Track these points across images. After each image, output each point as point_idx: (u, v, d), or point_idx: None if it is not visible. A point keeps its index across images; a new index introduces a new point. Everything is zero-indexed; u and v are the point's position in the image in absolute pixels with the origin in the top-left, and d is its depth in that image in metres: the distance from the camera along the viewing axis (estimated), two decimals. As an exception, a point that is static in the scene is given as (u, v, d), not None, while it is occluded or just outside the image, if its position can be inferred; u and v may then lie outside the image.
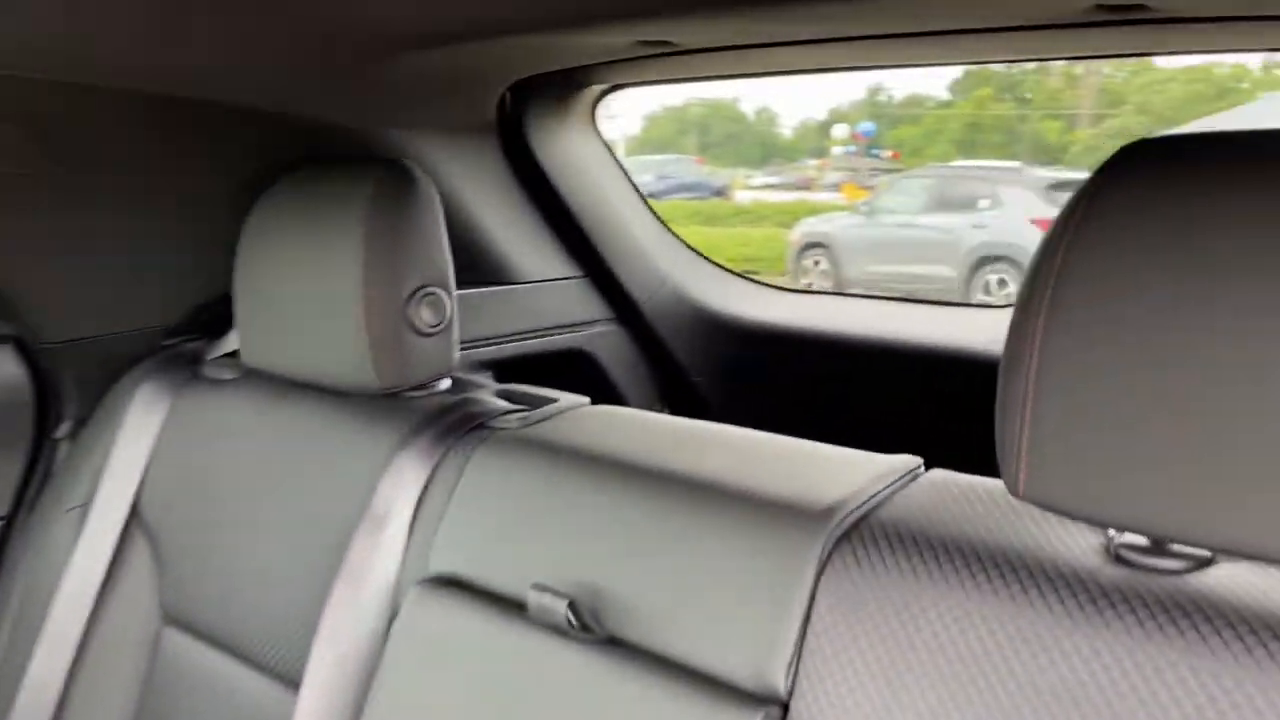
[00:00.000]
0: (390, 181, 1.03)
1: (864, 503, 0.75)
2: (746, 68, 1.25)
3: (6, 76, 1.06)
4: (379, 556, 0.94)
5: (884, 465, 0.81)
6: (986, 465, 0.93)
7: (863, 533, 0.72)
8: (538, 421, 0.99)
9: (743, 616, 0.73)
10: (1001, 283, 8.06)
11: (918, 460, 0.82)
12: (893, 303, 1.67)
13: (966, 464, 0.87)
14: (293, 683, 0.95)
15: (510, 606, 0.84)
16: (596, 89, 1.47)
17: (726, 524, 0.77)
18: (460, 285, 1.22)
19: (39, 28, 0.93)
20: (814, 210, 11.76)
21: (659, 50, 1.13)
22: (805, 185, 18.47)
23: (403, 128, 1.30)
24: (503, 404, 1.03)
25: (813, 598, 0.71)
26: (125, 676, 1.14)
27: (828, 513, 0.74)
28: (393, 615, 0.92)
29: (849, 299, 1.73)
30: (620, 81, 1.42)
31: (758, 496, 0.78)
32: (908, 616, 0.67)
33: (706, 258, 1.74)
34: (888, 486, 0.78)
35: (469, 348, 1.44)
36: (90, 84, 1.12)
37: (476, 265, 1.48)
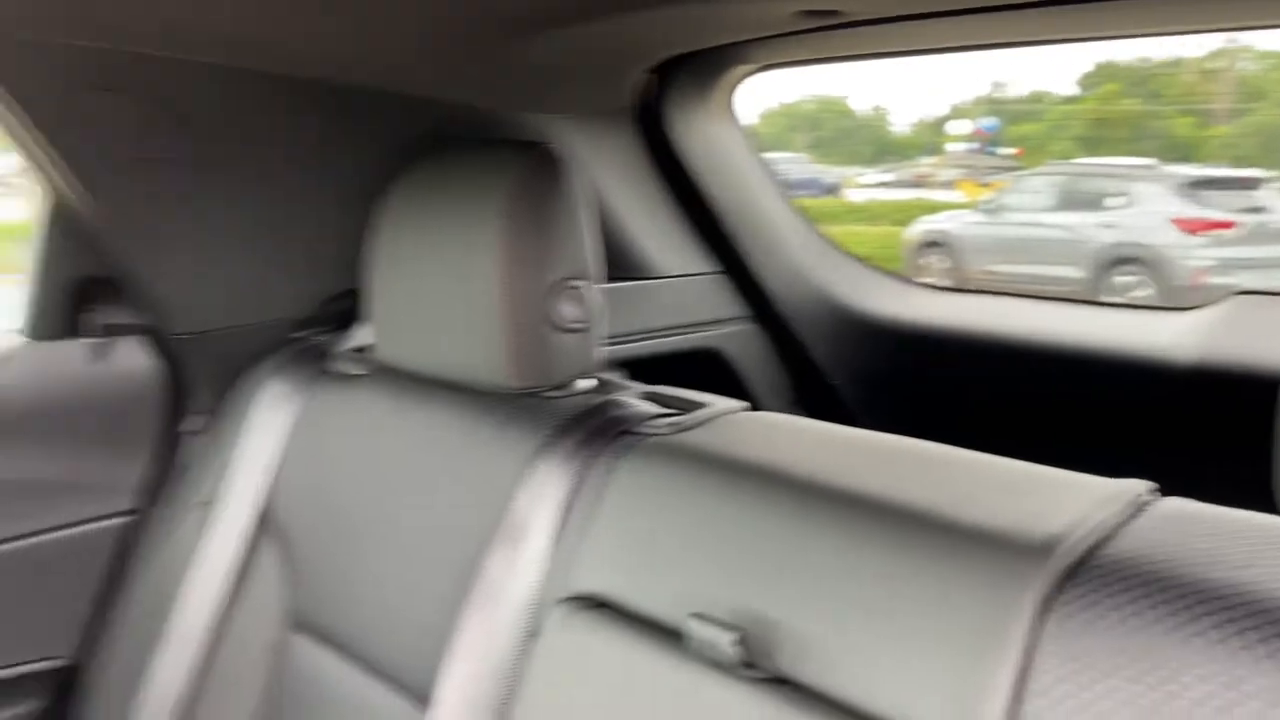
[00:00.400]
0: (533, 166, 0.95)
1: (1088, 534, 0.64)
2: (916, 42, 1.14)
3: (148, 56, 1.03)
4: (517, 571, 0.86)
5: (1106, 490, 0.70)
6: (1189, 488, 0.81)
7: (1091, 571, 0.61)
8: (692, 427, 0.90)
9: (943, 660, 0.63)
10: (1137, 285, 7.67)
11: (1145, 485, 0.70)
12: (1059, 303, 1.53)
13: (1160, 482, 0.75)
14: (423, 698, 0.89)
15: (664, 634, 0.75)
16: (740, 71, 1.38)
17: (924, 553, 0.67)
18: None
19: (179, 7, 0.89)
20: (932, 208, 11.41)
21: (823, 22, 1.04)
22: (920, 183, 18.01)
23: (537, 111, 1.23)
24: (651, 408, 0.95)
25: (1031, 644, 0.60)
26: (252, 681, 1.10)
27: (1048, 545, 0.63)
28: (531, 635, 0.84)
29: (1008, 299, 1.60)
30: (771, 61, 1.32)
31: (962, 523, 0.68)
32: (1155, 679, 0.56)
33: (852, 254, 1.63)
34: (1114, 516, 0.66)
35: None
36: (224, 65, 1.08)
37: (607, 258, 1.41)
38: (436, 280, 0.98)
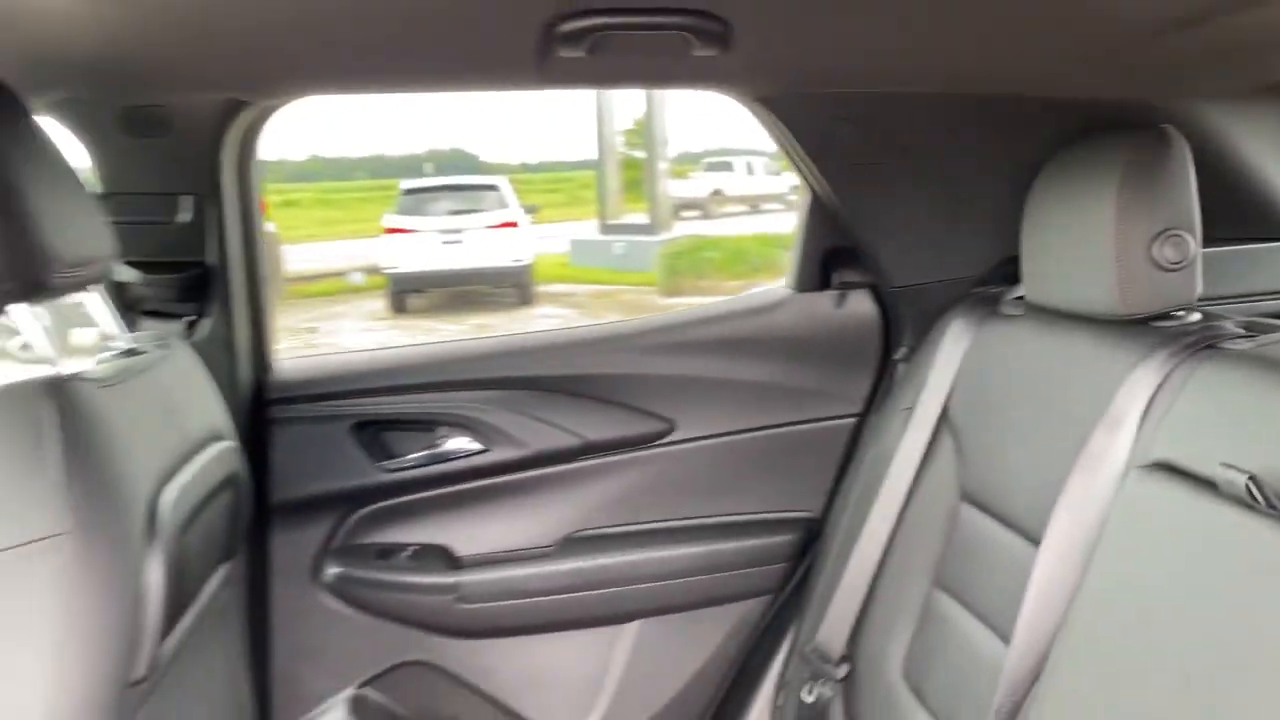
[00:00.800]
0: (1146, 145, 1.23)
1: None
2: None
3: (870, 95, 1.53)
4: (1113, 448, 1.15)
5: None
6: None
7: None
8: (1272, 344, 1.10)
9: None
10: None
11: None
12: None
13: None
14: (1036, 540, 1.22)
15: (1207, 486, 1.00)
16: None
17: None
18: (1238, 241, 1.34)
19: (887, 57, 1.35)
20: None
21: None
22: None
23: (1179, 97, 1.46)
24: (1240, 331, 1.16)
25: None
26: (934, 534, 1.52)
27: None
28: (1119, 492, 1.13)
29: None
30: None
31: None
32: None
33: None
34: None
35: (1245, 301, 1.53)
36: (910, 92, 1.52)
37: (1263, 220, 1.55)
38: (1068, 236, 1.31)
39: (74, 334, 1.26)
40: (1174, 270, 1.21)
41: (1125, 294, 1.22)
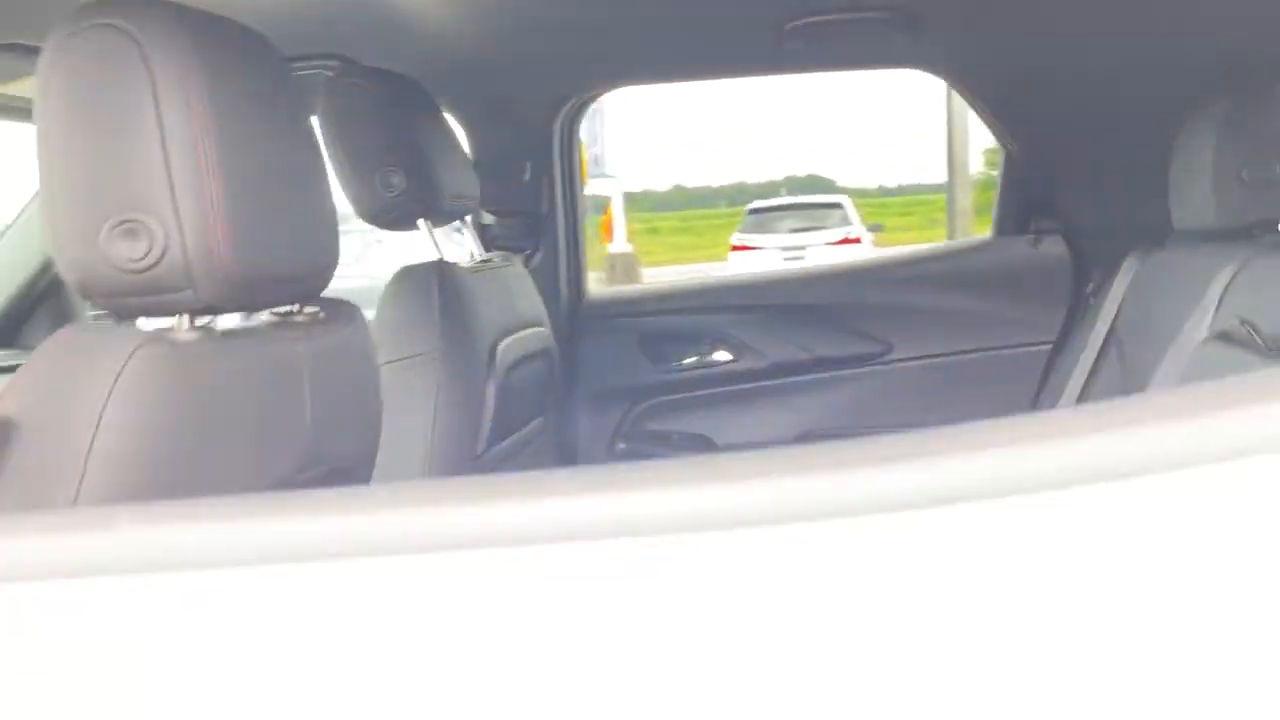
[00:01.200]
0: (1244, 98, 1.49)
1: None
2: None
3: (1039, 67, 1.85)
4: (1197, 329, 1.43)
5: None
6: None
7: None
8: None
9: None
10: None
11: None
12: None
13: None
14: None
15: (1229, 339, 1.27)
16: None
17: None
18: None
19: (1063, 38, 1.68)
20: None
21: None
22: None
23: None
24: None
25: None
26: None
27: None
28: (1189, 362, 1.41)
29: None
30: None
31: None
32: None
33: None
34: None
35: None
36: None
37: None
38: (1190, 172, 1.57)
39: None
40: (1260, 189, 1.46)
41: (1220, 208, 1.49)
